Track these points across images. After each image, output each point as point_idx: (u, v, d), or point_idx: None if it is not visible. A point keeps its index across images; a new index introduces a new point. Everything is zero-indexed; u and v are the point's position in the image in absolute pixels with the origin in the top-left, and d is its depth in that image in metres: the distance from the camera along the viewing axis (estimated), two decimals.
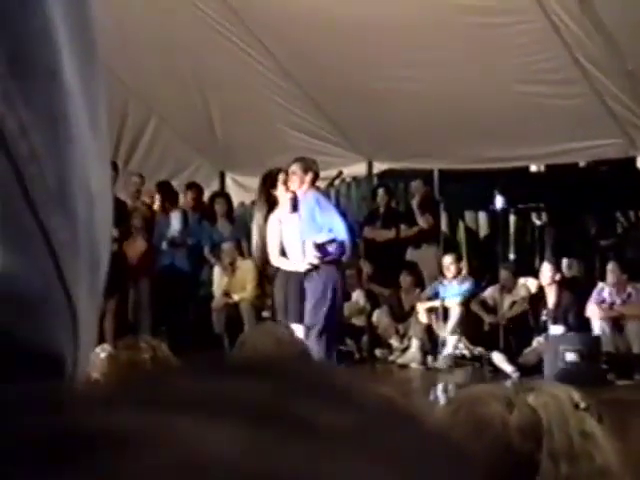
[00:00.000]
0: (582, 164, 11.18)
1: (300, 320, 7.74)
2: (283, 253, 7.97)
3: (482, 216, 13.35)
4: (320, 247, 7.63)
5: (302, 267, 7.72)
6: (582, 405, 2.15)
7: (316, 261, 7.64)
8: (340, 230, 7.63)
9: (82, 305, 0.44)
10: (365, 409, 0.29)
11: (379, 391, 0.32)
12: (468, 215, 13.16)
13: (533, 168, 11.85)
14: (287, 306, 7.86)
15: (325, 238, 7.64)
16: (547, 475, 1.96)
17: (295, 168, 7.85)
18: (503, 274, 9.94)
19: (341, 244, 7.64)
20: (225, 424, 0.27)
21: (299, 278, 7.84)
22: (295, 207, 7.90)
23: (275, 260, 8.10)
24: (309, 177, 7.80)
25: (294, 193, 7.88)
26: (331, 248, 7.63)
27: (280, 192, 8.05)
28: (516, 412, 1.94)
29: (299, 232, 7.76)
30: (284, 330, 3.05)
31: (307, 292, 7.67)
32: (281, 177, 8.08)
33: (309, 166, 7.87)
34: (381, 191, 11.56)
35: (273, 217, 8.07)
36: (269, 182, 8.10)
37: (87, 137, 0.45)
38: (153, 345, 3.21)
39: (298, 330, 7.48)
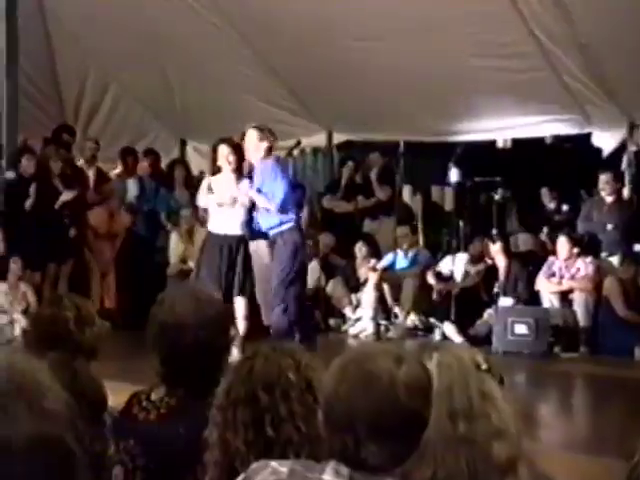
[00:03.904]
0: (548, 141, 11.22)
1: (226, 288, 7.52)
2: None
3: (441, 189, 13.38)
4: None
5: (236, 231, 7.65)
6: (484, 366, 2.19)
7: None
8: (277, 197, 7.50)
9: None
10: None
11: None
12: (426, 188, 13.20)
13: (500, 144, 11.86)
14: (218, 274, 7.57)
15: (261, 200, 7.56)
16: (445, 434, 2.00)
17: (250, 135, 7.66)
18: (476, 245, 9.90)
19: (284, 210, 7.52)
20: None
21: (234, 245, 7.66)
22: (249, 173, 7.79)
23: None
24: (264, 145, 7.66)
25: (241, 160, 7.79)
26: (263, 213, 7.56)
27: (221, 161, 7.89)
28: (404, 368, 1.96)
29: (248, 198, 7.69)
30: (203, 289, 3.08)
31: (275, 258, 7.50)
32: (224, 148, 7.89)
33: (265, 135, 7.71)
34: (350, 163, 11.46)
35: (204, 183, 7.95)
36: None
37: None
38: (78, 303, 3.24)
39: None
